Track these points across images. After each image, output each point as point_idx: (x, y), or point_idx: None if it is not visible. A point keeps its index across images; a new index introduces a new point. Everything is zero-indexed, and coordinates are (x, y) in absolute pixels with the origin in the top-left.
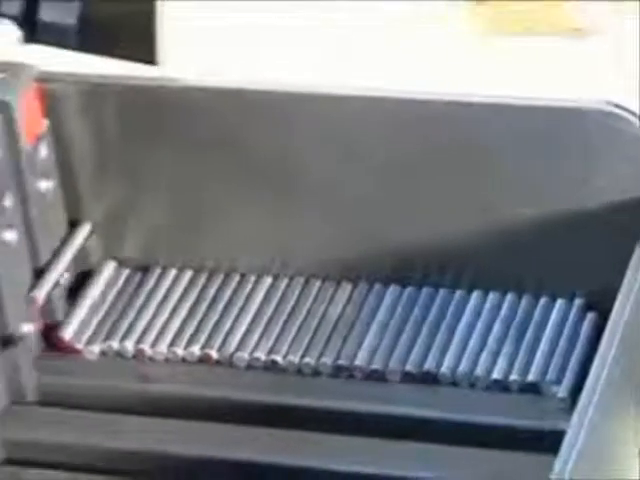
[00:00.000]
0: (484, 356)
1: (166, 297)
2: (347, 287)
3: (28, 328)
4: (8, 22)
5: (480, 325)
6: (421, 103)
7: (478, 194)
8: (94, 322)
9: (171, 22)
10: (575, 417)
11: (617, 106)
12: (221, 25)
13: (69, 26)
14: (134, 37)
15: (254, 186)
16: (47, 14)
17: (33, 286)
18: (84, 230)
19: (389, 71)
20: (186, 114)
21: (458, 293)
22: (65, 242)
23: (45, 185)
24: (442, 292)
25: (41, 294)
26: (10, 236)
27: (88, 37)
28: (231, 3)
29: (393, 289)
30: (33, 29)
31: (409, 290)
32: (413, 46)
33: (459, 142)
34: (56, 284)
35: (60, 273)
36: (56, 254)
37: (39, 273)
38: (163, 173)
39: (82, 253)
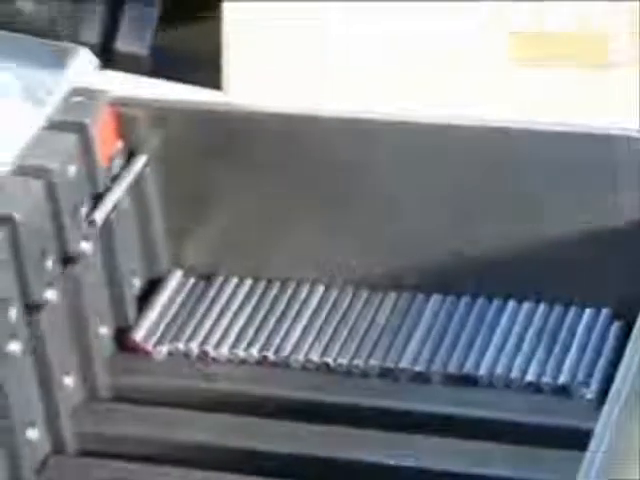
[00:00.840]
0: (519, 360)
1: (228, 303)
2: (392, 296)
3: (103, 330)
4: (86, 50)
5: (515, 332)
6: (464, 129)
7: (514, 211)
8: (162, 325)
9: (237, 51)
10: (601, 419)
11: None
12: (284, 53)
13: (142, 54)
14: (202, 65)
15: (309, 204)
16: (122, 43)
17: (92, 209)
18: (140, 160)
19: (429, 97)
20: (249, 136)
21: (495, 302)
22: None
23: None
24: (480, 301)
25: (100, 216)
26: (86, 247)
27: (159, 65)
28: (294, 33)
29: (435, 298)
30: (109, 57)
31: (449, 299)
32: (452, 76)
33: (499, 164)
34: (114, 208)
35: (117, 197)
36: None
37: (97, 197)
38: (227, 191)
39: (152, 263)
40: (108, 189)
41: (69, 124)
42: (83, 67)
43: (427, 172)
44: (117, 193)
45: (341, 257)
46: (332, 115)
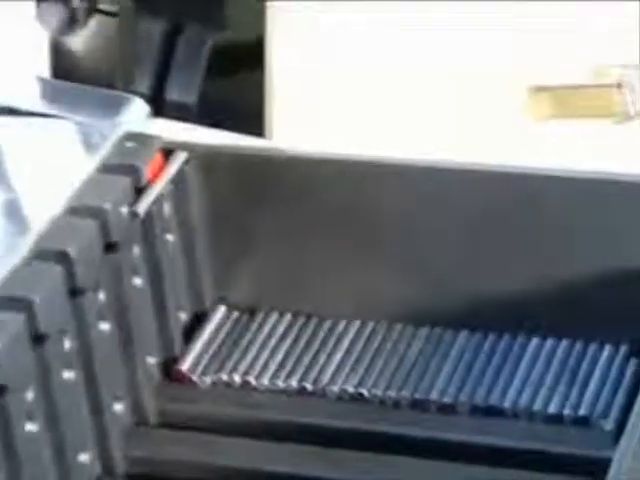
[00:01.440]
0: (542, 393)
1: (269, 337)
2: (424, 331)
3: (151, 360)
4: (139, 99)
5: (538, 366)
6: (493, 174)
7: (540, 253)
8: (207, 357)
9: (279, 99)
10: (619, 449)
11: None
12: (326, 100)
13: (190, 103)
14: (246, 113)
15: (346, 244)
16: (171, 93)
17: (135, 202)
18: (180, 157)
19: (459, 146)
20: (289, 179)
21: (519, 339)
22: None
23: (169, 237)
24: (505, 337)
25: (142, 208)
26: (137, 281)
27: (206, 113)
28: (337, 79)
29: (463, 334)
30: (160, 105)
31: (477, 335)
32: (482, 126)
33: (525, 208)
34: (155, 200)
35: (158, 192)
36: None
37: (139, 191)
38: (269, 231)
39: (198, 299)
40: (149, 185)
41: (122, 167)
42: (136, 114)
43: (455, 215)
44: (158, 187)
45: (375, 295)
46: (366, 159)
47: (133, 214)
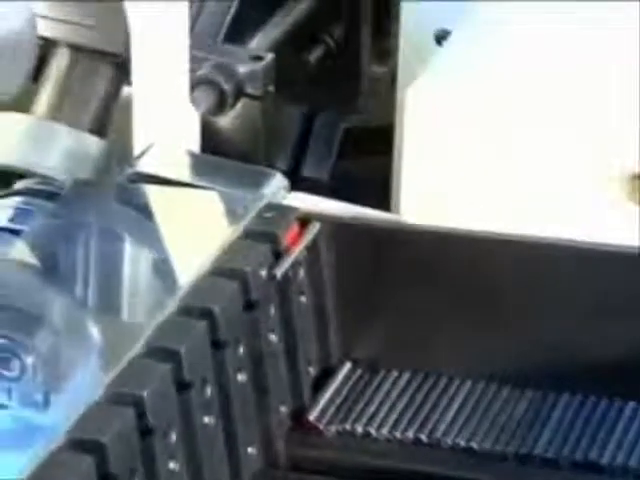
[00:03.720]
0: (636, 452)
1: (389, 392)
2: (529, 393)
3: (283, 409)
4: (279, 174)
5: (634, 428)
6: (583, 250)
7: (634, 327)
8: (332, 408)
9: (406, 176)
10: None
11: None
12: (450, 177)
13: (323, 179)
14: (374, 189)
15: (463, 312)
16: (307, 170)
17: (273, 266)
18: (314, 227)
19: (552, 223)
20: (412, 249)
21: (616, 402)
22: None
23: (302, 299)
24: (603, 401)
25: (280, 271)
26: (273, 337)
27: (338, 187)
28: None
29: (564, 396)
30: (297, 180)
31: (577, 397)
32: (575, 211)
33: (623, 281)
34: (291, 265)
35: (294, 257)
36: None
37: (278, 256)
38: (392, 297)
39: (326, 356)
40: (287, 251)
41: (263, 234)
42: (276, 187)
43: (563, 289)
44: (295, 253)
45: (487, 359)
46: (487, 235)
47: (271, 277)
